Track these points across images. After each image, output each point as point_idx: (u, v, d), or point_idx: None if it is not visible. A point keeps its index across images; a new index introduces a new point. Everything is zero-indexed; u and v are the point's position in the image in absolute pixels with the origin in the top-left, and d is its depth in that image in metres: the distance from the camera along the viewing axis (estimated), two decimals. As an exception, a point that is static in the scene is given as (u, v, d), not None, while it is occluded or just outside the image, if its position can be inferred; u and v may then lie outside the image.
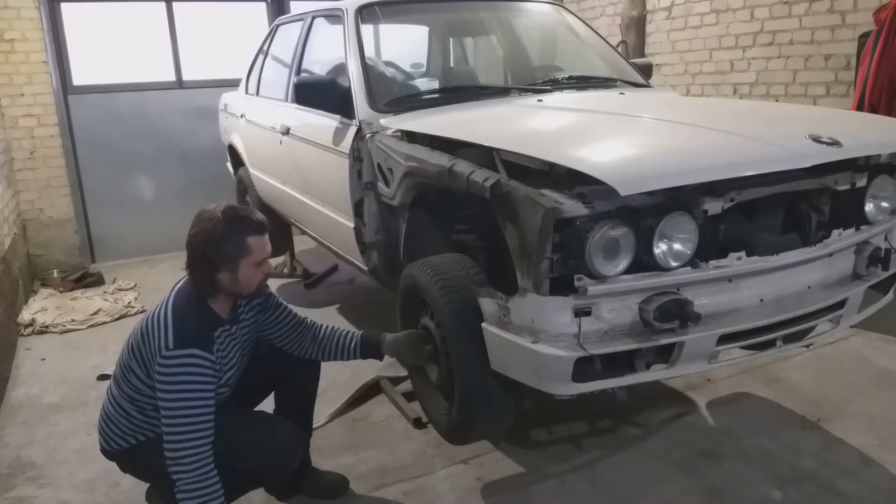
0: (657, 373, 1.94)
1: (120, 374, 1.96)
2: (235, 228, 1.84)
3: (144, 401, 1.91)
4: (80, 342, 3.78)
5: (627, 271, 1.84)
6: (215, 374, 1.84)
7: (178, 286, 1.96)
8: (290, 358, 2.19)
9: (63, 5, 5.07)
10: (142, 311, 4.21)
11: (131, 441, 1.95)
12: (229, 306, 1.96)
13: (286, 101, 3.73)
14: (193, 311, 1.87)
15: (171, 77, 5.47)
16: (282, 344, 2.15)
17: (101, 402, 2.04)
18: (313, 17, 3.68)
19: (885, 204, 2.26)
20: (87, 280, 4.77)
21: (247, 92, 4.56)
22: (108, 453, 2.01)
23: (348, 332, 2.23)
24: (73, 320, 4.02)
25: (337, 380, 2.98)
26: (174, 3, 5.37)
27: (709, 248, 1.94)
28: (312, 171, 3.37)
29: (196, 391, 1.77)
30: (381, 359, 2.27)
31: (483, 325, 2.03)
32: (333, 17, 3.42)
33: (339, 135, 2.95)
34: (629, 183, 1.69)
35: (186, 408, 1.76)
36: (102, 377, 3.24)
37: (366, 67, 2.99)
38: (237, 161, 4.74)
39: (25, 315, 4.04)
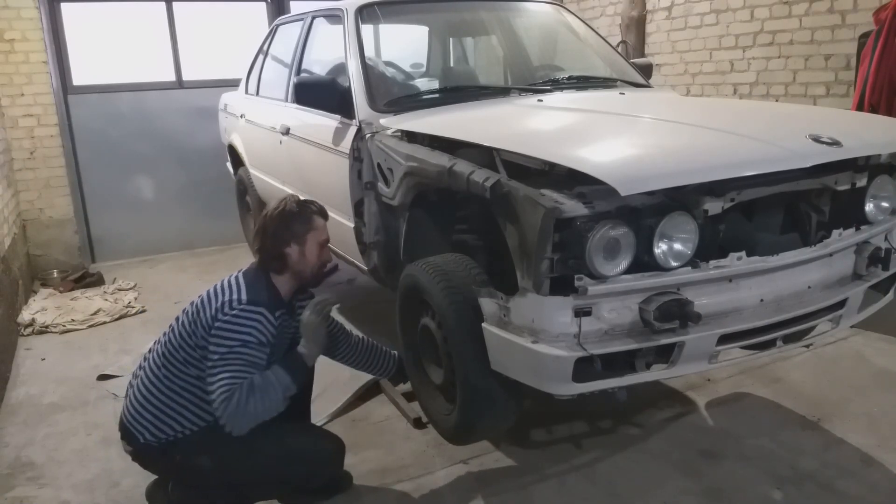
0: (657, 373, 1.94)
1: (181, 356, 1.96)
2: (304, 208, 2.10)
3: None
4: (80, 342, 3.77)
5: (627, 271, 1.84)
6: (272, 341, 1.94)
7: (243, 269, 2.09)
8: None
9: (63, 5, 5.06)
10: (142, 311, 4.21)
11: (178, 431, 1.96)
12: (291, 291, 2.11)
13: (286, 101, 3.72)
14: (264, 284, 2.03)
15: (171, 77, 5.47)
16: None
17: (131, 397, 2.03)
18: (313, 17, 3.68)
19: (885, 204, 2.26)
20: (87, 280, 4.76)
21: (247, 92, 4.56)
22: (140, 447, 2.00)
23: (386, 349, 2.41)
24: (73, 320, 4.02)
25: (337, 380, 2.97)
26: (174, 3, 5.36)
27: (709, 248, 1.94)
28: (312, 171, 3.37)
29: (256, 344, 1.89)
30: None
31: (483, 325, 2.03)
32: (333, 17, 3.42)
33: (339, 135, 2.95)
34: (629, 183, 1.69)
35: (245, 353, 1.87)
36: (102, 377, 3.24)
37: (366, 67, 2.99)
38: (237, 161, 4.74)
39: (25, 315, 4.04)
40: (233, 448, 1.94)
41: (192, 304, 2.03)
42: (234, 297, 1.93)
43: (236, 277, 2.03)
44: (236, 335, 1.88)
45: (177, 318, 2.05)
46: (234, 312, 1.90)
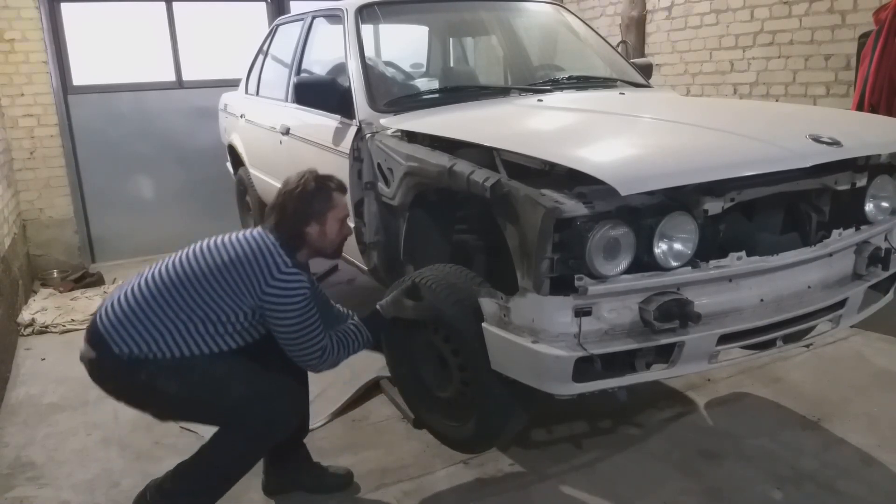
0: (657, 373, 1.94)
1: (199, 284, 1.92)
2: (323, 185, 2.06)
3: (219, 317, 1.93)
4: (80, 342, 3.76)
5: (628, 271, 1.84)
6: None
7: (264, 229, 2.05)
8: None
9: (63, 5, 5.06)
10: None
11: (156, 352, 1.90)
12: (307, 261, 2.12)
13: (286, 101, 3.72)
14: (292, 251, 2.02)
15: (171, 77, 5.47)
16: None
17: (115, 304, 1.95)
18: (313, 17, 3.68)
19: (885, 204, 2.26)
20: (87, 280, 4.76)
21: (247, 92, 4.55)
22: (107, 357, 1.92)
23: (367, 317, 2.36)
24: (73, 320, 4.01)
25: (337, 380, 2.97)
26: (174, 3, 5.36)
27: (709, 248, 1.94)
28: (312, 171, 3.36)
29: (311, 298, 1.98)
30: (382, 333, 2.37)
31: (483, 325, 2.03)
32: (333, 17, 3.42)
33: (339, 135, 2.95)
34: (629, 183, 1.69)
35: (311, 311, 1.97)
36: (102, 377, 3.23)
37: (366, 67, 2.99)
38: (237, 161, 4.74)
39: (25, 315, 4.04)
40: (203, 381, 1.92)
41: (216, 246, 1.98)
42: (279, 260, 1.93)
43: (268, 240, 1.97)
44: (298, 299, 1.92)
45: (194, 252, 1.99)
46: (283, 279, 1.91)
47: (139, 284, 1.98)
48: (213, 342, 1.95)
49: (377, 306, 2.26)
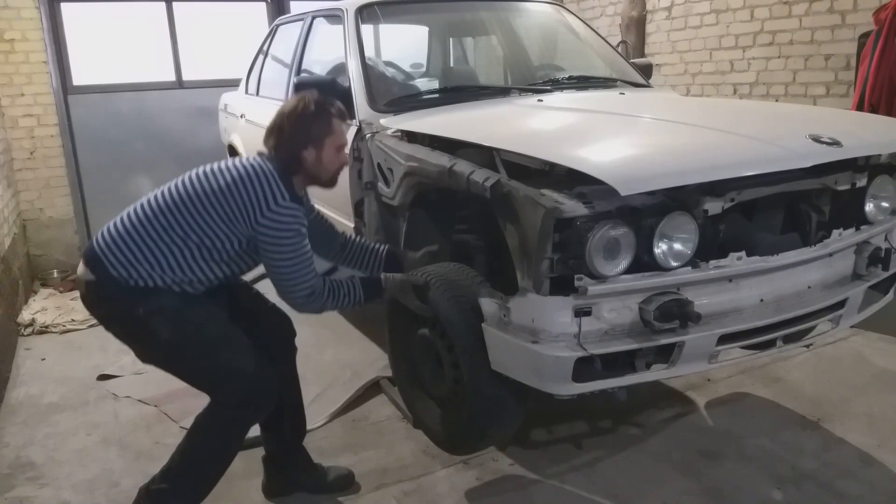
0: (657, 373, 1.94)
1: (194, 207, 1.91)
2: (323, 110, 2.00)
3: (213, 243, 1.92)
4: (80, 342, 3.77)
5: (628, 271, 1.84)
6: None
7: (261, 157, 2.01)
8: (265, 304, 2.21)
9: (63, 5, 5.07)
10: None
11: (153, 280, 1.88)
12: (303, 189, 2.08)
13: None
14: (288, 179, 1.98)
15: (171, 77, 5.47)
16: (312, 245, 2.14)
17: (111, 227, 1.94)
18: (313, 17, 3.68)
19: (885, 204, 2.26)
20: (87, 280, 4.76)
21: (247, 92, 4.55)
22: (104, 278, 1.89)
23: (374, 247, 2.36)
24: (73, 320, 4.01)
25: (337, 380, 2.98)
26: (174, 3, 5.37)
27: (709, 248, 1.94)
28: (312, 171, 3.36)
29: (304, 238, 1.94)
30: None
31: (483, 325, 2.03)
32: (333, 17, 3.42)
33: (338, 135, 2.95)
34: (629, 183, 1.69)
35: (304, 246, 1.93)
36: (102, 377, 3.23)
37: (366, 67, 2.99)
38: (237, 161, 4.74)
39: (25, 315, 4.04)
40: (195, 337, 1.92)
41: (212, 171, 1.98)
42: (276, 191, 1.89)
43: (266, 168, 1.94)
44: (289, 233, 1.89)
45: (191, 177, 1.99)
46: (279, 211, 1.87)
47: (136, 209, 1.98)
48: (207, 269, 1.93)
49: (381, 276, 2.19)
